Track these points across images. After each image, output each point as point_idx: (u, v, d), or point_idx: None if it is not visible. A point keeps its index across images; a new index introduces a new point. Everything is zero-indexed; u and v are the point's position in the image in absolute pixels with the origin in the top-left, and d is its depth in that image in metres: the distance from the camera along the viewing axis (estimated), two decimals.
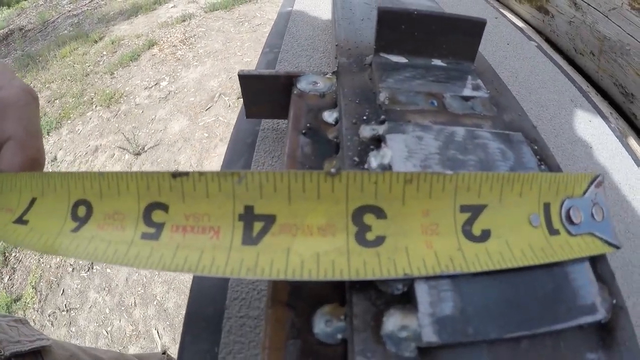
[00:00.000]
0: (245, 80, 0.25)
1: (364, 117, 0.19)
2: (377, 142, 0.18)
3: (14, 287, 1.31)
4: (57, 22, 3.42)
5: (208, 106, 1.91)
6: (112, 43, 2.67)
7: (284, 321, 0.13)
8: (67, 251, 0.13)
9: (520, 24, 0.83)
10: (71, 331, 1.15)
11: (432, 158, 0.17)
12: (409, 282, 0.12)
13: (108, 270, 1.29)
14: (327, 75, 0.25)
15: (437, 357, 0.11)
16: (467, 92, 0.24)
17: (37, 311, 1.22)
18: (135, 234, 0.13)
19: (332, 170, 0.13)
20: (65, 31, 3.16)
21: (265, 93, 0.25)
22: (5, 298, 1.26)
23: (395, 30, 0.24)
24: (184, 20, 2.81)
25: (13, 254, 1.41)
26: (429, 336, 0.11)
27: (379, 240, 0.12)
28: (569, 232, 0.15)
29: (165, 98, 2.01)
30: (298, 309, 0.13)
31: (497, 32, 0.57)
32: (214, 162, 1.58)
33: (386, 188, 0.13)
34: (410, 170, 0.16)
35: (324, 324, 0.13)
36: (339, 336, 0.13)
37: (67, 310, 1.21)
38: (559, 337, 0.14)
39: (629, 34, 0.54)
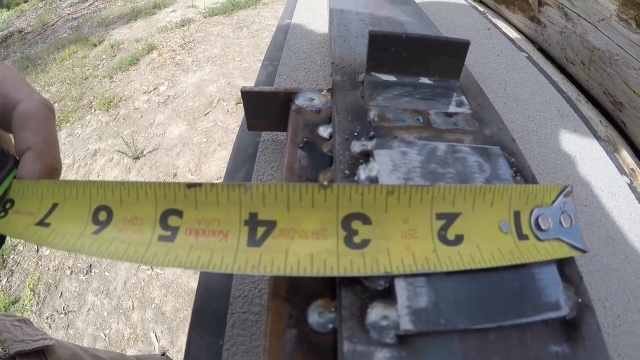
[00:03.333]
0: (247, 96, 0.27)
1: (355, 133, 0.21)
2: (366, 156, 0.20)
3: (12, 289, 1.32)
4: (57, 25, 3.44)
5: (207, 111, 1.93)
6: (112, 47, 2.69)
7: (283, 313, 0.15)
8: (90, 251, 0.15)
9: (513, 33, 0.85)
10: (69, 334, 1.16)
11: (415, 171, 0.19)
12: (390, 279, 0.14)
13: (106, 273, 1.30)
14: (323, 92, 0.27)
15: (413, 343, 0.14)
16: (451, 108, 0.26)
17: (35, 313, 1.22)
18: (152, 236, 0.15)
19: (325, 183, 0.15)
20: (65, 34, 3.18)
21: (265, 108, 0.27)
22: (3, 300, 1.27)
23: (385, 51, 0.26)
24: (183, 25, 2.83)
25: (11, 256, 1.42)
26: (406, 325, 0.13)
27: (364, 243, 0.14)
28: (537, 237, 0.17)
29: (164, 103, 2.03)
30: (295, 303, 0.15)
31: (489, 44, 0.59)
32: (213, 166, 1.60)
33: (371, 198, 0.15)
34: (394, 183, 0.18)
35: (317, 315, 0.15)
36: (330, 326, 0.15)
37: (65, 313, 1.22)
38: (525, 330, 0.16)
39: (617, 44, 0.56)
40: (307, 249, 0.14)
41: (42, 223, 0.16)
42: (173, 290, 1.22)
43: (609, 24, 0.57)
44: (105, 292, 1.25)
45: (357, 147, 0.20)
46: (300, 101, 0.26)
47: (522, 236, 0.17)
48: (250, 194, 0.15)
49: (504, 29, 0.89)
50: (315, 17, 0.60)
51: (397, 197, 0.15)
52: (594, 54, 0.61)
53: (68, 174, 1.71)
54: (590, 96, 0.67)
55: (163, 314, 1.17)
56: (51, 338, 0.50)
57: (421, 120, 0.24)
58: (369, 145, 0.20)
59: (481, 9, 1.00)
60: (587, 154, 0.39)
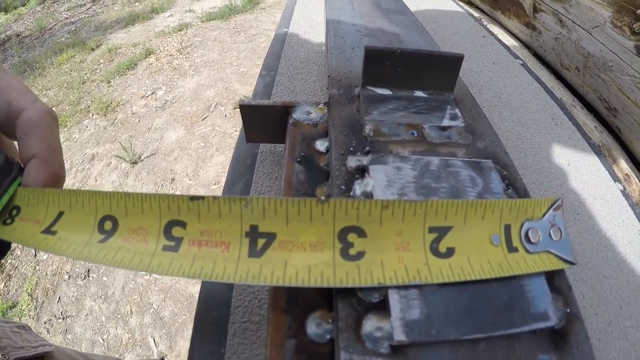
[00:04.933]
0: (246, 109, 0.27)
1: (351, 148, 0.22)
2: (362, 171, 0.21)
3: (10, 294, 1.32)
4: (55, 29, 3.45)
5: (204, 116, 1.93)
6: (109, 51, 2.69)
7: (282, 324, 0.15)
8: (96, 259, 0.16)
9: (509, 39, 0.86)
10: (67, 339, 1.16)
11: (408, 186, 0.20)
12: (384, 292, 0.15)
13: (104, 278, 1.30)
14: (320, 106, 0.28)
15: (406, 353, 0.14)
16: (445, 122, 0.27)
17: (33, 318, 1.22)
18: (157, 246, 0.16)
19: (322, 197, 0.16)
20: (63, 38, 3.19)
21: (263, 121, 0.28)
22: (1, 305, 1.27)
23: (381, 66, 0.27)
24: (180, 30, 2.84)
25: (9, 261, 1.42)
26: (399, 336, 0.14)
27: (360, 255, 0.15)
28: (527, 250, 0.18)
29: (162, 107, 2.03)
30: (294, 314, 0.16)
31: (484, 52, 0.60)
32: (210, 171, 1.61)
33: (366, 212, 0.16)
34: (388, 198, 0.19)
35: (315, 326, 0.16)
36: (327, 336, 0.15)
37: (63, 318, 1.22)
38: (514, 340, 0.16)
39: (611, 51, 0.57)
40: (305, 260, 0.15)
41: (48, 231, 0.17)
42: (171, 296, 1.22)
43: (603, 30, 0.58)
44: (103, 297, 1.25)
45: (352, 162, 0.21)
46: (297, 115, 0.27)
47: (512, 249, 0.17)
48: (251, 207, 0.16)
49: (499, 35, 0.91)
50: (312, 25, 0.61)
51: (392, 212, 0.16)
52: (589, 60, 0.62)
53: (66, 178, 1.71)
54: (586, 102, 0.67)
55: (161, 319, 1.17)
56: (50, 344, 0.51)
57: (416, 135, 0.25)
58: (365, 160, 0.21)
59: (477, 14, 1.01)
60: (580, 162, 0.40)
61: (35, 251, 1.42)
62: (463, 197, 0.20)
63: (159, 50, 2.60)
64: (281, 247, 0.15)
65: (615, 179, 0.39)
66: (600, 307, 0.27)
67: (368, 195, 0.19)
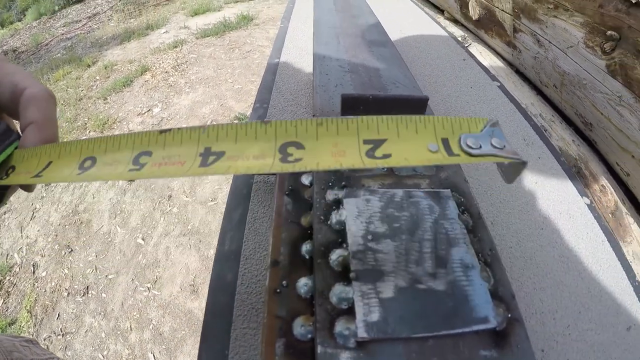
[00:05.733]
0: None
1: (330, 183, 0.27)
2: (338, 203, 0.25)
3: (9, 310, 1.34)
4: (51, 45, 3.49)
5: None
6: (105, 68, 2.74)
7: (274, 327, 0.20)
8: (72, 179, 0.18)
9: (492, 57, 0.91)
10: (67, 355, 1.18)
11: (375, 215, 0.24)
12: (352, 301, 0.20)
13: (103, 295, 1.33)
14: None
15: (369, 347, 0.19)
16: None
17: (33, 335, 1.24)
18: (124, 169, 0.18)
19: (266, 120, 0.19)
20: (59, 54, 3.23)
21: None
22: (0, 322, 1.28)
23: (356, 109, 0.32)
24: (175, 47, 2.90)
25: (7, 278, 1.44)
26: (362, 334, 0.19)
27: (297, 160, 0.17)
28: (469, 154, 0.17)
29: (158, 124, 2.08)
30: (283, 319, 0.20)
31: (463, 75, 0.64)
32: (207, 188, 1.65)
33: (303, 129, 0.18)
34: (357, 227, 0.23)
35: (300, 328, 0.20)
36: (309, 335, 0.20)
37: (62, 335, 1.24)
38: (458, 338, 0.20)
39: (584, 69, 0.61)
40: (247, 165, 0.17)
41: (37, 176, 0.19)
42: (170, 311, 1.25)
43: (577, 50, 0.63)
44: (102, 313, 1.28)
45: (330, 196, 0.26)
46: None
47: (452, 154, 0.17)
48: (207, 133, 0.18)
49: (483, 54, 0.96)
50: (302, 55, 0.66)
51: (326, 127, 0.18)
52: (565, 78, 0.68)
53: (63, 195, 1.74)
54: (565, 116, 0.72)
55: (161, 334, 1.20)
56: (58, 357, 0.54)
57: (385, 169, 0.29)
58: (340, 194, 0.26)
59: (462, 32, 1.07)
60: (547, 180, 0.44)
61: (34, 268, 1.45)
62: (421, 223, 0.25)
63: (154, 67, 2.66)
64: (228, 159, 0.17)
65: (583, 193, 0.42)
66: (559, 312, 0.31)
67: (342, 224, 0.24)
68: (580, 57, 0.62)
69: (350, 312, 0.20)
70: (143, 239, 1.50)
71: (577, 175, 0.59)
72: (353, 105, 0.32)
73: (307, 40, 0.72)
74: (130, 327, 1.23)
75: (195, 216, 1.56)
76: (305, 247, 0.24)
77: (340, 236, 0.23)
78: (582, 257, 0.35)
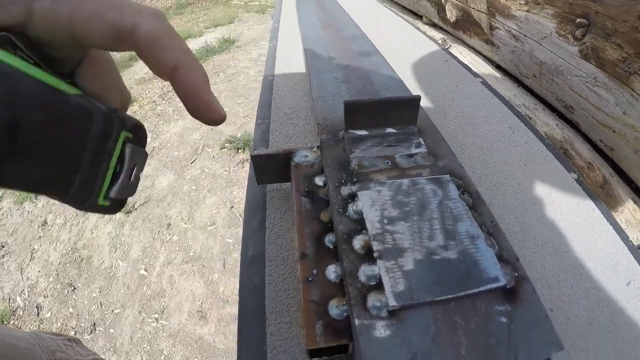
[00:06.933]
0: (256, 159, 0.35)
1: (343, 180, 0.30)
2: (353, 197, 0.28)
3: None
4: None
5: (193, 159, 2.00)
6: None
7: (312, 311, 0.22)
8: None
9: (472, 56, 0.95)
10: None
11: (387, 203, 0.27)
12: (379, 277, 0.22)
13: (111, 330, 1.32)
14: (314, 149, 0.35)
15: (400, 314, 0.21)
16: (412, 150, 0.35)
17: None
18: None
19: None
20: None
21: (270, 166, 0.35)
22: None
23: (358, 114, 0.35)
24: None
25: (11, 322, 1.41)
26: (392, 302, 0.21)
27: None
28: None
29: (150, 154, 2.09)
30: (319, 303, 0.23)
31: (447, 75, 0.68)
32: (205, 213, 1.66)
33: None
34: (374, 214, 0.26)
35: (335, 309, 0.22)
36: (345, 314, 0.22)
37: None
38: (475, 298, 0.23)
39: (560, 57, 0.65)
40: None
41: None
42: (180, 340, 1.25)
43: (551, 40, 0.66)
44: (112, 349, 1.26)
45: (345, 191, 0.28)
46: (297, 158, 0.35)
47: None
48: None
49: (463, 54, 1.00)
50: (294, 70, 0.69)
51: None
52: (543, 67, 0.71)
53: (61, 233, 1.73)
54: (547, 103, 0.76)
55: None
56: (102, 358, 0.53)
57: (390, 164, 0.32)
58: (354, 188, 0.28)
59: (442, 35, 1.12)
60: (536, 161, 0.47)
61: (38, 310, 1.43)
62: (427, 206, 0.28)
63: (141, 98, 2.68)
64: None
65: (570, 169, 0.45)
66: (561, 275, 0.33)
67: (359, 214, 0.26)
68: (555, 46, 0.66)
69: (378, 286, 0.22)
70: (146, 270, 1.50)
71: (564, 155, 0.63)
72: (355, 110, 0.35)
73: (297, 56, 0.76)
74: None
75: (196, 242, 1.56)
76: (329, 238, 0.26)
77: (359, 224, 0.26)
78: (576, 226, 0.38)
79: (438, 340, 0.20)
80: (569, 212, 0.40)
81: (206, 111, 0.18)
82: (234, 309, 1.33)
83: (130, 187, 0.17)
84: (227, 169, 1.94)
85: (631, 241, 0.35)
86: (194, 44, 3.38)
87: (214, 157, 2.00)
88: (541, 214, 0.40)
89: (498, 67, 0.90)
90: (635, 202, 0.55)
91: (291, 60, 0.74)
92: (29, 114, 0.12)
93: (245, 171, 1.91)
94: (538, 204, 0.41)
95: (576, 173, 0.45)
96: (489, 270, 0.24)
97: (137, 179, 0.17)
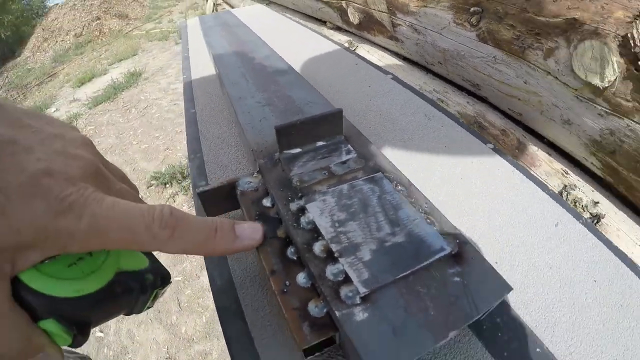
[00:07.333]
0: (202, 195, 0.37)
1: (289, 198, 0.33)
2: (302, 210, 0.32)
3: None
4: None
5: None
6: None
7: (295, 316, 0.25)
8: None
9: (379, 54, 1.01)
10: None
11: (334, 209, 0.31)
12: (344, 272, 0.26)
13: None
14: (254, 175, 0.38)
15: (371, 298, 0.25)
16: (343, 157, 0.39)
17: None
18: None
19: None
20: None
21: (216, 199, 0.37)
22: None
23: (289, 135, 0.39)
24: (70, 123, 2.71)
25: None
26: (362, 289, 0.25)
27: None
28: None
29: None
30: (299, 308, 0.26)
31: (360, 77, 0.73)
32: None
33: None
34: (324, 222, 0.30)
35: (315, 309, 0.26)
36: (324, 310, 0.25)
37: None
38: (429, 268, 0.27)
39: (460, 43, 0.72)
40: None
41: None
42: None
43: (450, 29, 0.73)
44: None
45: (294, 207, 0.32)
46: (242, 186, 0.37)
47: None
48: None
49: (371, 52, 1.07)
50: (214, 99, 0.70)
51: None
52: (446, 54, 0.79)
53: None
54: (456, 85, 0.84)
55: None
56: None
57: (327, 174, 0.36)
58: (301, 202, 0.32)
59: (348, 38, 1.18)
60: (453, 140, 0.53)
61: None
62: (369, 203, 0.32)
63: None
64: None
65: (486, 141, 0.52)
66: (497, 232, 0.39)
67: (312, 224, 0.30)
68: (454, 34, 0.73)
69: (346, 280, 0.26)
70: (101, 331, 1.39)
71: (478, 128, 0.72)
72: (286, 132, 0.38)
73: (213, 85, 0.76)
74: None
75: None
76: (290, 251, 0.30)
77: (314, 232, 0.30)
78: (501, 188, 0.44)
79: (409, 310, 0.24)
80: (491, 177, 0.46)
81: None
82: (201, 346, 1.29)
83: (159, 298, 0.26)
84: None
85: (552, 189, 0.43)
86: (99, 84, 3.17)
87: (142, 197, 1.90)
88: (468, 186, 0.45)
89: (405, 59, 0.98)
90: (549, 154, 0.65)
91: (209, 89, 0.75)
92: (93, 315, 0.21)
93: (177, 204, 1.85)
94: (464, 177, 0.47)
95: (491, 143, 0.52)
96: (434, 243, 0.28)
97: (163, 294, 0.27)
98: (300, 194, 0.33)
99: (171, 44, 4.60)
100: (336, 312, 0.24)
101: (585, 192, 0.58)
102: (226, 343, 0.31)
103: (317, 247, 0.28)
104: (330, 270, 0.27)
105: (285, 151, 0.39)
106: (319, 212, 0.31)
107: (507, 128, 0.72)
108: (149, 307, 0.25)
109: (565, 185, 0.59)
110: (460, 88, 0.83)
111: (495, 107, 0.76)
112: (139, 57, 3.63)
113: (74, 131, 0.24)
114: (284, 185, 0.35)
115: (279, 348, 0.29)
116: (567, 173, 0.62)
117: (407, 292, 0.26)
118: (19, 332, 0.18)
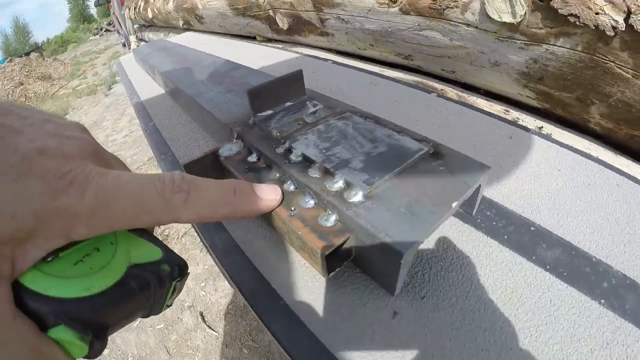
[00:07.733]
0: (189, 166, 0.37)
1: (274, 146, 0.35)
2: (290, 150, 0.33)
3: None
4: None
5: None
6: None
7: (309, 230, 0.27)
8: None
9: (313, 51, 1.05)
10: None
11: (318, 141, 0.33)
12: (348, 182, 0.28)
13: None
14: (234, 141, 0.39)
15: (374, 193, 0.27)
16: (312, 109, 0.41)
17: None
18: None
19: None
20: None
21: (203, 167, 0.38)
22: None
23: (260, 97, 0.40)
24: None
25: None
26: (366, 187, 0.27)
27: None
28: None
29: None
30: (310, 223, 0.27)
31: (305, 70, 0.75)
32: None
33: None
34: (309, 153, 0.32)
35: (325, 220, 0.27)
36: (334, 219, 0.27)
37: None
38: (416, 164, 0.30)
39: (386, 21, 0.74)
40: None
41: None
42: None
43: (375, 11, 0.76)
44: None
45: (281, 150, 0.34)
46: (224, 152, 0.38)
47: None
48: None
49: (306, 51, 1.11)
50: (168, 109, 0.71)
51: None
52: (376, 35, 0.82)
53: None
54: (390, 63, 0.88)
55: None
56: None
57: (302, 123, 0.38)
58: (287, 145, 0.34)
59: (279, 46, 1.21)
60: (402, 95, 0.58)
61: None
62: (345, 133, 0.34)
63: None
64: None
65: (430, 92, 0.58)
66: (460, 142, 0.43)
67: (301, 156, 0.32)
68: (379, 14, 0.76)
69: (348, 186, 0.28)
70: None
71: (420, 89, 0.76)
72: (256, 95, 0.40)
73: (163, 100, 0.77)
74: None
75: (129, 345, 1.40)
76: (287, 185, 0.31)
77: (306, 161, 0.32)
78: (449, 120, 0.49)
79: (411, 195, 0.27)
80: (440, 115, 0.51)
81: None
82: None
83: (177, 295, 0.24)
84: None
85: (492, 114, 0.48)
86: None
87: None
88: (421, 126, 0.49)
89: (338, 52, 1.03)
90: (489, 101, 0.70)
91: (160, 104, 0.75)
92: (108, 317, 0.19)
93: None
94: (419, 120, 0.51)
95: (435, 93, 0.57)
96: (413, 147, 0.32)
97: (182, 288, 0.24)
98: (283, 141, 0.35)
99: (101, 96, 4.47)
100: (347, 212, 0.26)
101: (529, 121, 0.64)
102: (244, 296, 0.31)
103: (313, 171, 0.30)
104: (331, 184, 0.28)
105: (259, 114, 0.40)
106: (305, 146, 0.33)
107: (445, 88, 0.77)
108: (168, 306, 0.23)
109: (509, 120, 0.64)
110: (396, 66, 0.88)
111: (430, 75, 0.81)
112: (71, 116, 3.48)
113: (66, 120, 0.22)
114: (265, 138, 0.37)
115: (297, 284, 0.30)
116: (507, 111, 0.67)
117: (403, 185, 0.28)
118: (26, 345, 0.15)
